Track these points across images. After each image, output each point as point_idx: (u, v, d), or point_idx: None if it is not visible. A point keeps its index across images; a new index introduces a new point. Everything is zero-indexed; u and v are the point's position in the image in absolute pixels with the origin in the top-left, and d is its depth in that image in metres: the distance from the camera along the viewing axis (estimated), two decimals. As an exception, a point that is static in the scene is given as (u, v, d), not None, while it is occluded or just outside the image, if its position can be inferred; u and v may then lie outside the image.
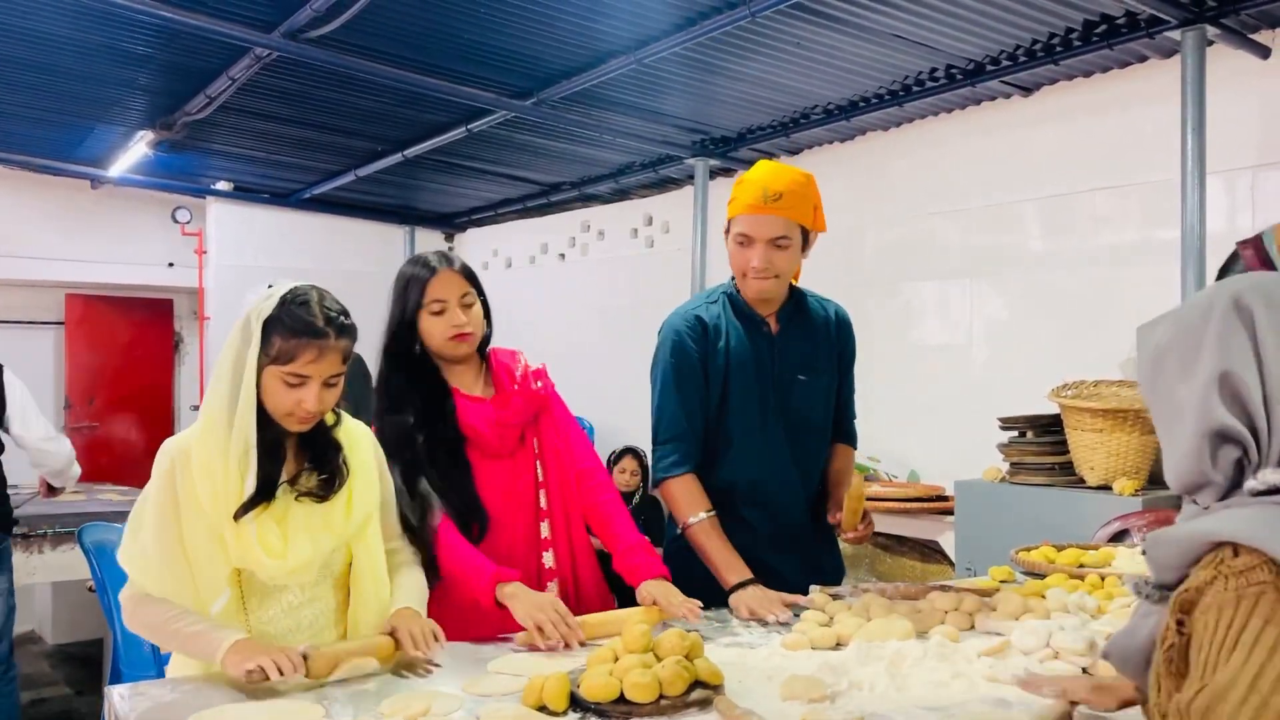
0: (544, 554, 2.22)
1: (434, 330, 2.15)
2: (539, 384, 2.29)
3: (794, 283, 2.44)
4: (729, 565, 2.18)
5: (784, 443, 2.37)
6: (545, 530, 2.23)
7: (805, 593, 2.15)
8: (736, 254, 2.31)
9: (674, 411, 2.32)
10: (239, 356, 1.74)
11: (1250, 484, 1.07)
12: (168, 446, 1.80)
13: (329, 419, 1.87)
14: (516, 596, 1.95)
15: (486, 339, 2.28)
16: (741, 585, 2.13)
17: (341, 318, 1.78)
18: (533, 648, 1.87)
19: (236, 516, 1.71)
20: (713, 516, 2.25)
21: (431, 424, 2.14)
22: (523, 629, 1.90)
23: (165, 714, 1.54)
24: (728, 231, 2.35)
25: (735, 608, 2.09)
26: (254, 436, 1.73)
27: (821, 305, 2.51)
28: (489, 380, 2.27)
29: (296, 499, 1.81)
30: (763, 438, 2.36)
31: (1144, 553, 1.17)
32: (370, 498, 1.90)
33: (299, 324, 1.73)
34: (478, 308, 2.20)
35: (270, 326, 1.73)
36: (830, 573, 2.44)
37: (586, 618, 1.98)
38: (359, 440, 1.93)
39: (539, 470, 2.26)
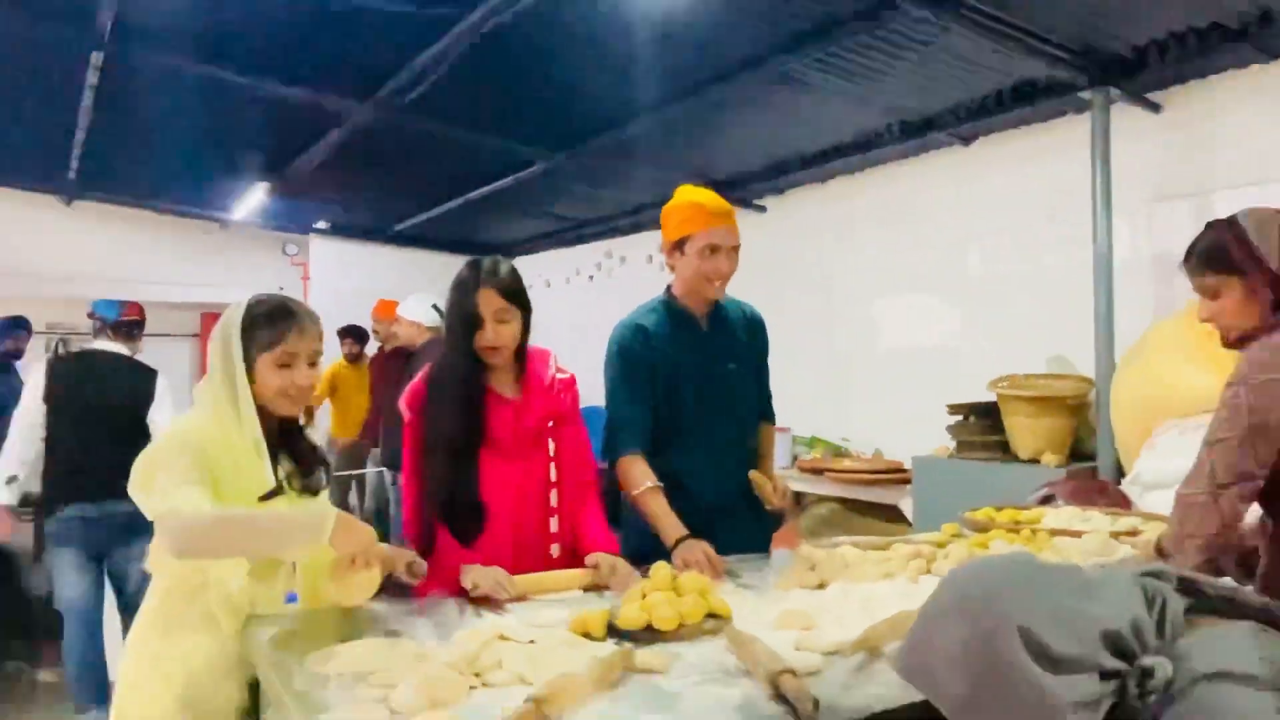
0: (551, 546, 2.01)
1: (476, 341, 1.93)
2: (563, 392, 2.06)
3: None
4: (669, 527, 2.08)
5: (722, 426, 2.26)
6: (554, 525, 2.00)
7: (741, 552, 2.10)
8: (706, 263, 2.17)
9: (623, 402, 2.21)
10: (227, 354, 1.62)
11: None
12: (181, 429, 1.60)
13: (301, 418, 1.74)
14: (468, 570, 1.78)
15: (522, 346, 2.01)
16: (680, 540, 2.05)
17: (305, 307, 1.69)
18: (470, 597, 1.74)
19: (263, 499, 1.59)
20: (656, 487, 2.13)
21: (458, 423, 1.92)
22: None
23: (288, 644, 1.48)
24: (677, 248, 2.20)
25: (675, 560, 1.98)
26: (259, 428, 1.61)
27: (739, 306, 2.38)
28: (520, 381, 2.03)
29: (299, 495, 1.70)
30: (705, 423, 2.25)
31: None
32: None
33: (277, 311, 1.65)
34: (515, 324, 1.95)
35: (253, 323, 1.63)
36: (760, 536, 2.27)
37: (526, 577, 1.81)
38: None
39: (553, 471, 2.02)
